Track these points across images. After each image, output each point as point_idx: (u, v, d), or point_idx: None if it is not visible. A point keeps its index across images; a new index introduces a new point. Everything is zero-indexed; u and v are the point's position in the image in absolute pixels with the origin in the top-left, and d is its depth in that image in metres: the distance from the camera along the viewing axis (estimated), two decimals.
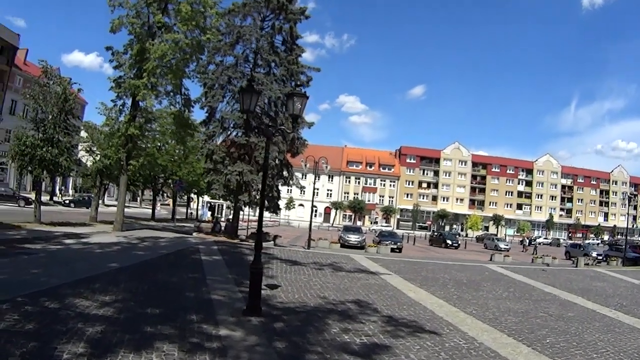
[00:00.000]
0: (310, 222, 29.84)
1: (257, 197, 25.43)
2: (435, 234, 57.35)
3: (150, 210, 50.21)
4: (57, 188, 63.87)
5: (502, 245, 49.64)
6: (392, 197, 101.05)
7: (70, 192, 67.00)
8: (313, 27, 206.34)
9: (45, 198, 50.62)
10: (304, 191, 73.29)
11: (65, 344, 6.04)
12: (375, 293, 12.63)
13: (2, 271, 10.47)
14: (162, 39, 22.80)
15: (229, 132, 27.83)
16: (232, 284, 11.81)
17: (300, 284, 12.99)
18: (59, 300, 8.21)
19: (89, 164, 36.54)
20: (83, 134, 35.03)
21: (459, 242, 50.70)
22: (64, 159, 23.55)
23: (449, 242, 48.68)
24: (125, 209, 52.86)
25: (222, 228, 30.54)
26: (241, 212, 31.62)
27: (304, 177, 61.39)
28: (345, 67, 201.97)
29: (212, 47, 25.66)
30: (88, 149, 35.68)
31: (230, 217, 32.03)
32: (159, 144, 36.66)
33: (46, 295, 8.45)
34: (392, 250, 30.31)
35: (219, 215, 42.96)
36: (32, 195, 25.23)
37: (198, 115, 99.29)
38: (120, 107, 24.65)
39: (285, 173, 28.54)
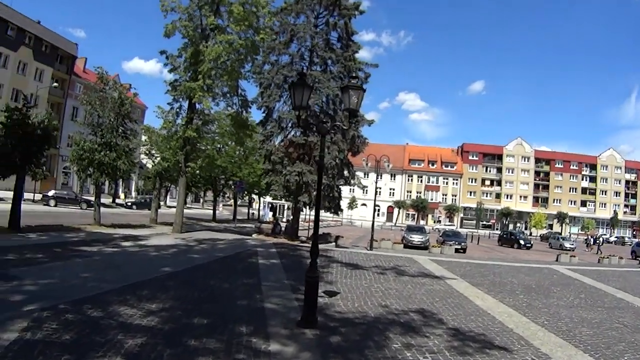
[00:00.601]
0: (373, 222, 29.25)
1: (315, 199, 24.95)
2: (505, 233, 55.07)
3: (212, 212, 50.99)
4: (121, 191, 66.66)
5: (567, 245, 48.01)
6: (455, 196, 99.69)
7: (133, 194, 69.63)
8: (369, 25, 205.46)
9: (107, 200, 52.87)
10: (366, 190, 72.89)
11: (101, 357, 5.67)
12: (440, 301, 11.77)
13: (52, 275, 10.41)
14: (216, 40, 23.02)
15: (287, 132, 27.66)
16: (289, 290, 11.25)
17: (361, 290, 12.29)
18: (102, 308, 7.90)
19: (149, 166, 37.67)
20: (144, 138, 36.01)
21: (532, 243, 48.64)
22: (122, 162, 23.89)
23: (521, 242, 46.64)
24: (187, 211, 54.80)
25: (283, 229, 30.37)
26: (302, 213, 31.35)
27: (366, 176, 60.56)
28: (403, 65, 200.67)
29: (266, 46, 25.64)
30: (148, 152, 36.75)
31: (290, 217, 31.81)
32: (218, 146, 36.88)
33: (91, 302, 8.19)
34: (457, 250, 29.69)
35: (280, 216, 42.90)
36: (94, 198, 26.22)
37: (256, 116, 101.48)
38: (177, 110, 25.40)
39: (346, 173, 28.07)
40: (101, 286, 9.65)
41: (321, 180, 9.17)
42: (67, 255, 13.80)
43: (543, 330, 9.52)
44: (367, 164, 28.37)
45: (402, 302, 11.13)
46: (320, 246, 24.37)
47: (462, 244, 33.32)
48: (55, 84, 50.00)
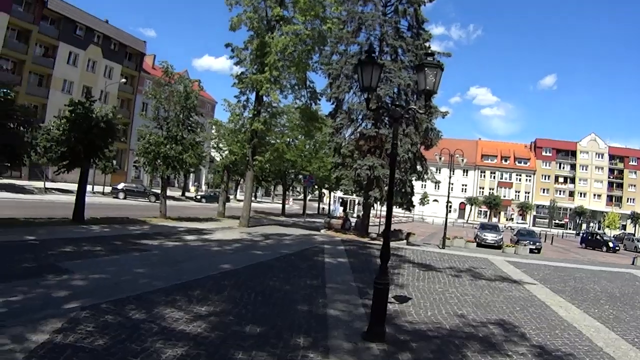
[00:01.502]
0: (446, 219, 28.53)
1: (387, 194, 24.30)
2: (589, 234, 51.76)
3: (281, 206, 51.15)
4: (191, 184, 68.62)
5: None
6: (528, 193, 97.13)
7: (203, 187, 71.45)
8: (438, 18, 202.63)
9: (177, 194, 54.44)
10: (438, 186, 71.64)
11: None
12: (521, 310, 10.50)
13: (105, 269, 10.16)
14: (282, 31, 22.92)
15: (357, 124, 27.08)
16: (355, 294, 10.31)
17: (435, 295, 11.20)
18: (147, 309, 7.33)
19: (218, 159, 38.27)
20: (214, 132, 36.60)
21: (619, 246, 45.98)
22: (188, 155, 24.19)
23: (610, 244, 44.00)
24: (257, 205, 55.67)
25: (352, 225, 29.70)
26: (373, 208, 30.62)
27: (438, 171, 59.05)
28: (474, 59, 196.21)
29: (334, 36, 25.22)
30: (216, 145, 37.26)
31: (361, 213, 31.13)
32: (288, 140, 36.95)
33: (136, 301, 7.68)
34: (531, 251, 28.85)
35: (350, 211, 42.32)
36: (160, 191, 26.96)
37: (326, 108, 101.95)
38: (244, 103, 25.55)
39: (418, 167, 27.26)
40: (152, 284, 9.20)
41: (394, 172, 8.17)
42: (126, 249, 13.69)
43: (635, 350, 8.22)
44: (440, 159, 27.25)
45: (479, 311, 10.01)
46: (391, 244, 23.35)
47: (537, 244, 32.69)
48: (123, 80, 52.06)
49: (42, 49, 47.22)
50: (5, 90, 15.86)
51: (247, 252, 15.69)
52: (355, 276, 12.61)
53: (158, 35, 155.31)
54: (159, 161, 24.37)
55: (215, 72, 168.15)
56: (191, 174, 63.42)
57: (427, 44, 25.89)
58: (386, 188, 23.84)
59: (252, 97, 25.38)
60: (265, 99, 24.97)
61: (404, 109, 10.18)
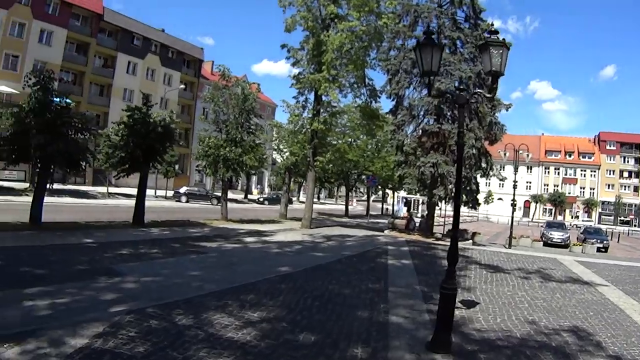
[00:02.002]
0: (512, 218, 27.75)
1: (454, 190, 23.62)
2: None
3: (344, 207, 50.74)
4: (254, 187, 69.50)
5: None
6: (593, 189, 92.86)
7: (266, 190, 72.24)
8: (494, 12, 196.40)
9: (240, 196, 55.21)
10: (502, 184, 69.14)
11: None
12: (595, 316, 9.54)
13: (159, 272, 10.05)
14: (337, 29, 22.74)
15: (419, 121, 26.31)
16: (419, 299, 9.65)
17: (504, 299, 10.36)
18: (195, 314, 6.99)
19: (279, 161, 38.49)
20: (275, 134, 36.76)
21: None
22: (248, 157, 24.32)
23: None
24: (320, 206, 55.66)
25: (417, 225, 29.09)
26: (437, 207, 29.67)
27: (502, 168, 57.36)
28: (532, 52, 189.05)
29: (390, 31, 24.82)
30: (277, 147, 37.42)
31: (425, 212, 30.41)
32: (349, 140, 36.95)
33: (185, 306, 7.37)
34: (598, 249, 27.65)
35: (414, 211, 41.44)
36: (221, 194, 27.35)
37: (386, 106, 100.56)
38: (303, 103, 25.53)
39: (483, 163, 26.15)
40: (205, 287, 8.92)
41: (461, 165, 7.50)
42: (183, 251, 13.65)
43: None
44: (504, 154, 25.95)
45: (551, 316, 9.14)
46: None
47: (604, 242, 31.71)
48: (182, 86, 53.26)
49: (102, 60, 49.21)
50: (61, 98, 16.27)
51: (307, 254, 15.33)
52: (419, 279, 11.95)
53: (216, 43, 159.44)
54: (219, 164, 24.53)
55: (275, 76, 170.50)
56: (254, 177, 64.30)
57: (485, 35, 24.69)
58: (451, 186, 23.39)
59: (311, 97, 25.35)
60: (324, 98, 24.86)
61: (469, 93, 9.32)
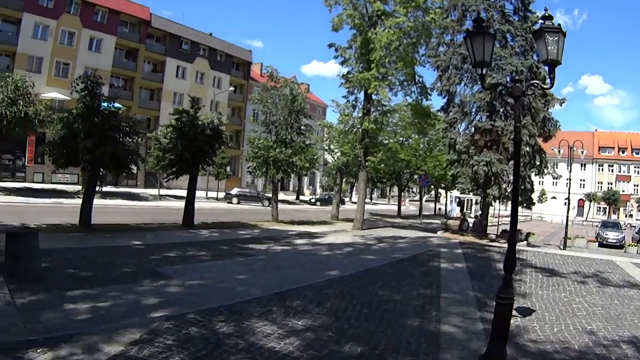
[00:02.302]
0: (567, 218, 26.54)
1: (508, 190, 23.01)
2: None
3: (396, 207, 50.08)
4: (305, 187, 69.52)
5: None
6: None
7: (318, 190, 72.16)
8: (541, 4, 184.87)
9: (292, 197, 55.22)
10: (556, 182, 66.63)
11: None
12: None
13: (204, 275, 10.00)
14: (384, 26, 22.55)
15: (471, 118, 25.56)
16: (473, 306, 9.14)
17: (560, 307, 9.68)
18: (237, 321, 6.76)
19: (331, 162, 38.33)
20: (326, 134, 36.57)
21: None
22: (298, 158, 24.20)
23: None
24: (372, 206, 55.25)
25: (470, 226, 28.43)
26: (491, 207, 28.67)
27: (555, 166, 55.32)
28: (583, 45, 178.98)
29: (438, 26, 24.38)
30: (327, 147, 37.23)
31: (479, 212, 29.42)
32: (401, 139, 36.47)
33: (227, 312, 7.17)
34: None
35: (467, 211, 40.38)
36: (272, 195, 27.34)
37: (437, 104, 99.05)
38: (353, 103, 25.35)
39: (537, 161, 25.15)
40: (249, 292, 8.73)
41: (519, 165, 7.03)
42: (231, 254, 13.59)
43: None
44: (558, 152, 24.74)
45: (610, 326, 8.48)
46: None
47: None
48: (231, 88, 53.79)
49: (151, 65, 50.24)
50: (109, 103, 16.54)
51: (358, 257, 14.95)
52: (473, 284, 11.42)
53: (265, 46, 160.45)
54: (269, 165, 24.48)
55: (325, 77, 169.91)
56: (305, 177, 64.31)
57: (535, 27, 23.64)
58: (504, 185, 22.75)
59: (361, 96, 25.16)
60: (374, 97, 24.57)
61: (524, 85, 8.66)
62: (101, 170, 16.52)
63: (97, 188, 17.10)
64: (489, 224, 26.91)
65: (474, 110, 25.00)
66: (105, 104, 16.29)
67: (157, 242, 14.80)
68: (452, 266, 14.14)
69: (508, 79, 23.09)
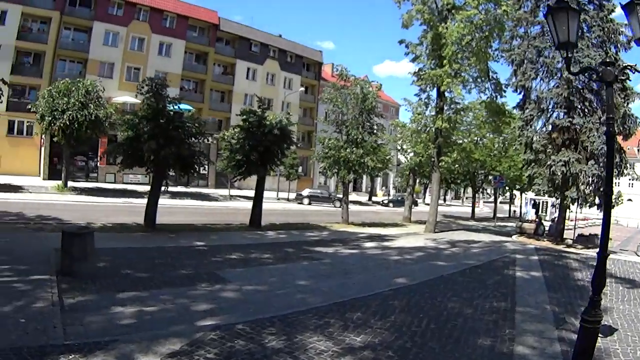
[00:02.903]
0: None
1: (588, 191, 21.76)
2: None
3: (470, 209, 48.82)
4: (379, 188, 68.59)
5: None
6: None
7: (391, 192, 71.03)
8: None
9: (364, 199, 54.59)
10: (632, 183, 62.11)
11: None
12: None
13: (264, 280, 9.63)
14: (455, 20, 21.98)
15: (548, 115, 24.18)
16: (550, 323, 8.15)
17: None
18: (289, 334, 6.22)
19: (404, 162, 37.52)
20: (399, 134, 35.75)
21: None
22: (370, 158, 23.65)
23: None
24: (445, 208, 53.96)
25: (546, 230, 26.98)
26: (569, 210, 26.95)
27: (631, 166, 51.82)
28: None
29: (511, 19, 23.36)
30: (400, 147, 36.39)
31: (555, 216, 27.81)
32: (475, 139, 35.09)
33: (279, 323, 6.67)
34: None
35: (542, 214, 38.21)
36: (342, 196, 26.90)
37: (512, 100, 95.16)
38: (426, 101, 24.88)
39: (617, 160, 23.11)
40: (308, 300, 8.21)
41: (612, 164, 6.20)
42: (296, 257, 13.24)
43: None
44: (638, 150, 22.51)
45: None
46: (587, 252, 20.24)
47: None
48: (301, 89, 53.69)
49: (221, 68, 50.93)
50: (174, 104, 16.59)
51: (428, 263, 14.13)
52: (550, 296, 10.28)
53: (337, 47, 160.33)
54: (340, 166, 24.21)
55: (398, 77, 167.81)
56: (379, 178, 63.44)
57: (611, 16, 22.52)
58: (583, 187, 21.45)
59: (433, 94, 24.67)
60: (447, 94, 23.89)
61: (617, 68, 7.48)
62: (166, 170, 16.57)
63: (162, 188, 17.22)
64: (565, 227, 25.40)
65: (551, 106, 23.73)
66: (171, 106, 16.36)
67: (221, 243, 14.67)
68: (528, 275, 13.06)
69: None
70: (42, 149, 35.59)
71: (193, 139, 16.73)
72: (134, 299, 7.42)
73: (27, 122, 33.96)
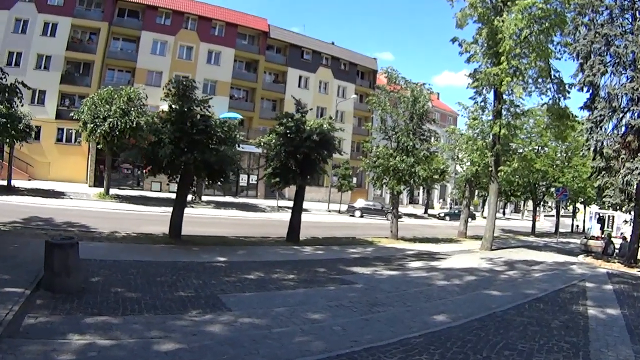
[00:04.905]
0: None
1: None
2: None
3: (531, 223, 45.75)
4: (436, 200, 65.95)
5: None
6: None
7: (448, 204, 68.18)
8: None
9: (420, 211, 52.42)
10: None
11: None
12: None
13: (270, 311, 7.97)
14: (512, 12, 20.18)
15: (620, 115, 21.03)
16: None
17: None
18: None
19: (460, 172, 35.50)
20: (456, 142, 33.81)
21: None
22: (421, 167, 21.93)
23: None
24: (504, 222, 51.11)
25: (617, 249, 24.20)
26: None
27: None
28: None
29: (572, 8, 21.03)
30: (455, 156, 34.37)
31: (629, 234, 24.21)
32: (536, 147, 33.74)
33: None
34: None
35: (608, 229, 34.72)
36: (391, 209, 25.10)
37: (576, 102, 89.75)
38: (482, 104, 23.30)
39: None
40: (308, 348, 6.24)
41: None
42: (324, 280, 11.51)
43: None
44: None
45: None
46: None
47: None
48: (353, 96, 51.60)
49: (272, 76, 50.33)
50: (202, 105, 15.34)
51: (479, 293, 11.58)
52: (635, 348, 7.62)
53: (396, 57, 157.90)
54: (386, 177, 22.89)
55: (456, 87, 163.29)
56: (436, 190, 61.08)
57: None
58: None
59: (490, 96, 22.79)
60: (505, 97, 21.97)
61: None
62: (192, 178, 15.37)
63: (193, 198, 16.11)
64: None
65: (625, 103, 20.67)
66: (199, 108, 15.10)
67: (246, 259, 13.31)
68: (603, 314, 10.14)
69: None
70: (89, 156, 35.92)
71: (223, 145, 15.34)
72: (100, 326, 6.34)
73: (76, 130, 34.29)
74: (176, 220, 15.17)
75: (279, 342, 6.29)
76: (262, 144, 18.88)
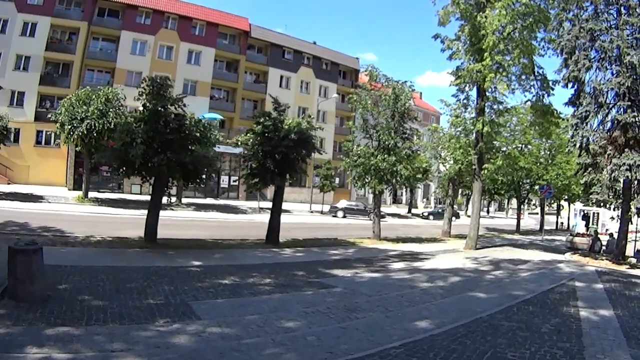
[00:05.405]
0: None
1: None
2: None
3: (515, 221, 45.78)
4: (419, 200, 66.03)
5: None
6: None
7: (432, 203, 68.29)
8: None
9: (403, 211, 52.39)
10: None
11: None
12: None
13: (241, 319, 7.59)
14: (495, 8, 20.14)
15: (606, 110, 21.09)
16: None
17: None
18: None
19: (442, 170, 35.52)
20: (438, 140, 33.74)
21: None
22: (403, 166, 21.66)
23: None
24: (489, 221, 51.19)
25: (603, 247, 24.28)
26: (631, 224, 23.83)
27: None
28: None
29: (557, 4, 21.24)
30: (437, 154, 34.36)
31: (614, 231, 24.15)
32: (519, 145, 33.60)
33: None
34: None
35: (594, 226, 35.10)
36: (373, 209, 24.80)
37: (559, 99, 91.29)
38: (464, 102, 23.35)
39: None
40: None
41: None
42: (301, 284, 11.05)
43: None
44: None
45: None
46: None
47: None
48: (334, 96, 51.30)
49: (253, 76, 49.94)
50: (177, 105, 14.83)
51: (464, 295, 11.01)
52: (632, 353, 7.19)
53: (379, 58, 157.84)
54: (368, 176, 22.57)
55: (439, 87, 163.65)
56: (419, 189, 61.16)
57: None
58: None
59: (473, 93, 22.81)
60: (488, 93, 21.90)
61: None
62: (166, 179, 14.85)
63: (168, 200, 15.68)
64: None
65: (611, 98, 20.68)
66: (173, 107, 14.60)
67: (222, 263, 12.93)
68: (596, 315, 9.71)
69: None
70: (68, 158, 35.25)
71: (198, 144, 14.92)
72: (60, 337, 5.89)
73: (55, 132, 33.67)
74: (151, 223, 14.63)
75: (247, 354, 5.80)
76: (239, 143, 18.50)
